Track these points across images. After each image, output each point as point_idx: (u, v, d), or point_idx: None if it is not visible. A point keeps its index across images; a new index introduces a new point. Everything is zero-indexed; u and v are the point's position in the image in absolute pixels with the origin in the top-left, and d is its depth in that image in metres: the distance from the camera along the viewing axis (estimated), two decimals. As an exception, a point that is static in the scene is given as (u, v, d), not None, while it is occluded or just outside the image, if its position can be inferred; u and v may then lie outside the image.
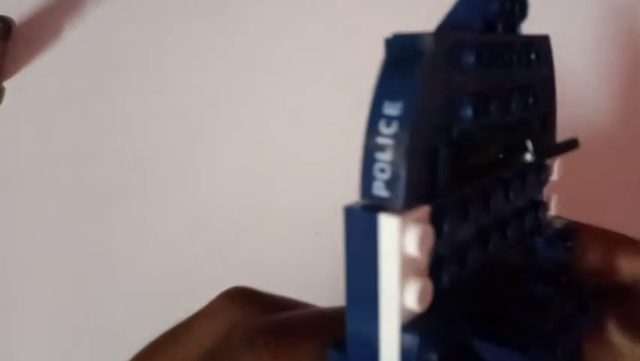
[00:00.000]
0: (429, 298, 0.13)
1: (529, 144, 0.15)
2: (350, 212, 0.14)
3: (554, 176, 0.17)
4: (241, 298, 0.22)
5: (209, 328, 0.21)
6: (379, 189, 0.13)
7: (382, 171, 0.13)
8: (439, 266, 0.13)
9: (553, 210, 0.18)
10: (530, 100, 0.16)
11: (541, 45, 0.17)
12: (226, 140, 0.38)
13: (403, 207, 0.12)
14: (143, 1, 0.41)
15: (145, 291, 0.35)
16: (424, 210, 0.13)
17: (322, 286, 0.35)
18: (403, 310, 0.13)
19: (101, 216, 0.37)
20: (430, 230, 0.13)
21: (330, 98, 0.38)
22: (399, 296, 0.13)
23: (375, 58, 0.42)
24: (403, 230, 0.12)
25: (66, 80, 0.39)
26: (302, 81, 0.39)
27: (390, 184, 0.13)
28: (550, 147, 0.17)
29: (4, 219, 0.37)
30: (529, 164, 0.16)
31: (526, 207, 0.17)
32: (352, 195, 0.39)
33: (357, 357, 0.14)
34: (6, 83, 0.39)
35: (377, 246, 0.13)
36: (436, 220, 0.13)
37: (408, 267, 0.13)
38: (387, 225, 0.13)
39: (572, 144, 0.17)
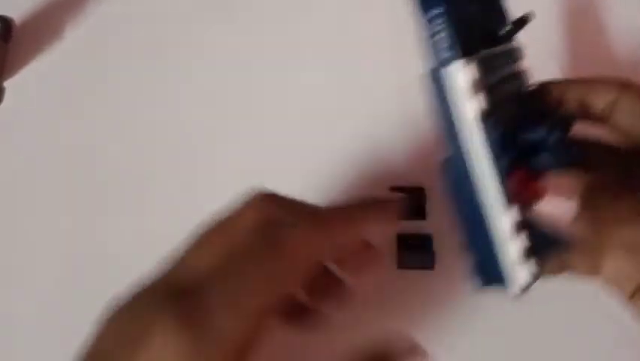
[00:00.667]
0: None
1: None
2: (431, 72, 0.24)
3: None
4: (270, 197, 0.26)
5: (250, 216, 0.24)
6: (444, 52, 0.24)
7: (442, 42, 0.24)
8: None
9: None
10: None
11: None
12: (225, 140, 0.38)
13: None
14: (143, 1, 0.41)
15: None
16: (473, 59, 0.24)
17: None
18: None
19: (100, 216, 0.37)
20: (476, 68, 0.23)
21: (330, 98, 0.38)
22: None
23: (374, 58, 0.42)
24: (464, 66, 0.23)
25: (66, 80, 0.39)
26: (302, 81, 0.39)
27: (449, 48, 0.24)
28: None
29: (3, 219, 0.37)
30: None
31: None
32: (352, 194, 0.39)
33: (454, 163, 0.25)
34: (6, 83, 0.39)
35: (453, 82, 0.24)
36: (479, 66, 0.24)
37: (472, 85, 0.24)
38: (457, 66, 0.23)
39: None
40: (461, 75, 0.24)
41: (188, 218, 0.36)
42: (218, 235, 0.24)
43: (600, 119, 0.27)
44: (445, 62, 0.24)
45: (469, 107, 0.24)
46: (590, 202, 0.25)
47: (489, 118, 0.24)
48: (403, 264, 0.32)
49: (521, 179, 0.24)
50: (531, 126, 0.24)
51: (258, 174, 0.37)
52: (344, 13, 0.40)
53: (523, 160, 0.24)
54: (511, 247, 0.25)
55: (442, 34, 0.24)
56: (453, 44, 0.24)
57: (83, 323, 0.35)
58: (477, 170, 0.25)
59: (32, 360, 0.35)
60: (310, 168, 0.37)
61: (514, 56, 0.26)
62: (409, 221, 0.35)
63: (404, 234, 0.33)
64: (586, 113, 0.27)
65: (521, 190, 0.24)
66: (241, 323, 0.20)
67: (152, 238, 0.36)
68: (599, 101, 0.26)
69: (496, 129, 0.24)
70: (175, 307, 0.21)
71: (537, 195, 0.24)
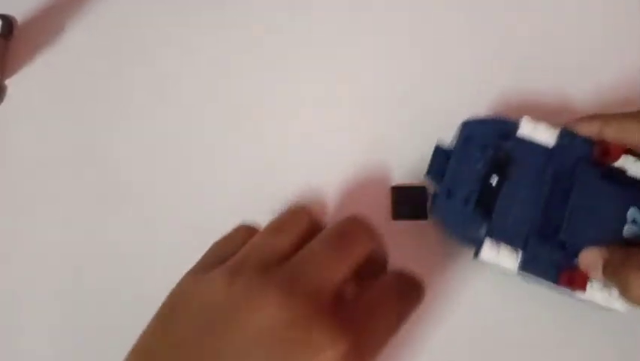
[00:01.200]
0: None
1: None
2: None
3: None
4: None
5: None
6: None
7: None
8: None
9: None
10: None
11: None
12: (226, 140, 0.38)
13: None
14: (144, 2, 0.41)
15: (145, 292, 0.35)
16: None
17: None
18: None
19: (100, 216, 0.37)
20: None
21: (330, 98, 0.38)
22: None
23: (373, 55, 0.42)
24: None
25: (68, 79, 0.39)
26: (302, 81, 0.39)
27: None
28: None
29: (3, 218, 0.37)
30: None
31: None
32: (351, 194, 0.39)
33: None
34: (8, 82, 0.39)
35: None
36: None
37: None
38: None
39: None
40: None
41: (188, 219, 0.37)
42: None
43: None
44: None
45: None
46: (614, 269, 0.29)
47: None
48: (397, 215, 0.34)
49: (569, 279, 0.30)
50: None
51: (259, 173, 0.37)
52: (345, 14, 0.40)
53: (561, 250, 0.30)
54: None
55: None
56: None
57: (83, 324, 0.35)
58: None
59: (38, 359, 0.35)
60: (311, 167, 0.37)
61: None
62: (409, 221, 0.35)
63: (398, 186, 0.35)
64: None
65: (571, 284, 0.30)
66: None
67: (152, 239, 0.36)
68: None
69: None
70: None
71: (584, 280, 0.30)
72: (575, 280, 0.29)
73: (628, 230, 0.30)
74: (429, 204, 0.34)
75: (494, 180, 0.31)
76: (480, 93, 0.37)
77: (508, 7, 0.39)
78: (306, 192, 0.37)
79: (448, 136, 0.34)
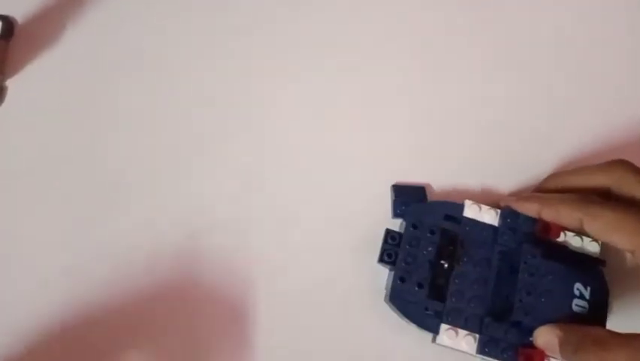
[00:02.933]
0: None
1: None
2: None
3: None
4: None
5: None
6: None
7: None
8: None
9: None
10: None
11: None
12: (226, 141, 0.38)
13: None
14: (144, 1, 0.41)
15: (145, 292, 0.35)
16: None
17: (321, 286, 0.35)
18: None
19: (100, 217, 0.37)
20: None
21: (329, 99, 0.38)
22: None
23: (373, 56, 0.42)
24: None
25: (68, 80, 0.39)
26: (302, 81, 0.39)
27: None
28: None
29: (3, 219, 0.37)
30: None
31: None
32: (351, 194, 0.39)
33: None
34: (8, 82, 0.40)
35: None
36: None
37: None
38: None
39: None
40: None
41: (189, 219, 0.37)
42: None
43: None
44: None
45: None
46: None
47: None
48: (396, 214, 0.35)
49: (526, 358, 0.30)
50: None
51: (260, 173, 0.37)
52: (349, 15, 0.40)
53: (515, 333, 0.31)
54: None
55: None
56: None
57: (84, 324, 0.35)
58: None
59: (35, 357, 0.35)
60: (312, 166, 0.37)
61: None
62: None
63: (399, 185, 0.35)
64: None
65: None
66: None
67: (152, 240, 0.36)
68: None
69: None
70: None
71: (542, 358, 0.30)
72: (532, 359, 0.30)
73: (576, 304, 0.31)
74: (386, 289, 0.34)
75: (445, 265, 0.32)
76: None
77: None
78: (308, 191, 0.37)
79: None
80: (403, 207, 0.34)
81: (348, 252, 0.35)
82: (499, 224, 0.33)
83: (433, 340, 0.31)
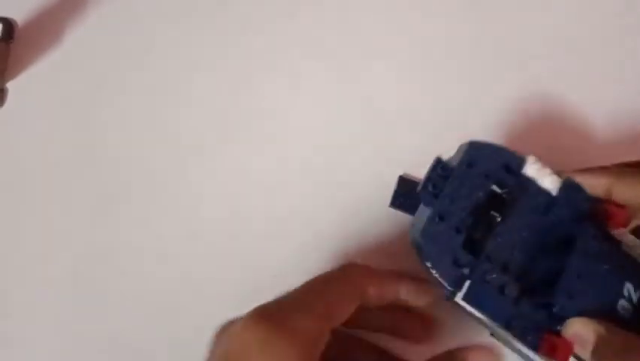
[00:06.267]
0: None
1: None
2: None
3: None
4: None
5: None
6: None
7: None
8: None
9: None
10: None
11: None
12: (226, 141, 0.38)
13: None
14: (144, 3, 0.41)
15: (145, 292, 0.35)
16: None
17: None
18: None
19: (100, 218, 0.37)
20: None
21: (329, 99, 0.38)
22: None
23: (373, 56, 0.41)
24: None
25: (68, 82, 0.40)
26: (302, 81, 0.39)
27: None
28: None
29: (3, 220, 0.37)
30: None
31: None
32: (351, 196, 0.39)
33: None
34: (9, 84, 0.40)
35: None
36: None
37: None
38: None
39: None
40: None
41: (189, 220, 0.37)
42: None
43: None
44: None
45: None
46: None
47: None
48: (393, 203, 0.34)
49: (551, 346, 0.26)
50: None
51: (258, 174, 0.37)
52: (348, 15, 0.40)
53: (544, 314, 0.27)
54: None
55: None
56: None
57: (83, 325, 0.35)
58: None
59: (36, 359, 0.35)
60: (314, 163, 0.37)
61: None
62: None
63: (405, 177, 0.35)
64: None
65: (552, 352, 0.26)
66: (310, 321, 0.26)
67: (152, 240, 0.36)
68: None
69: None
70: (256, 312, 0.26)
71: (567, 352, 0.26)
72: (557, 349, 0.26)
73: (622, 306, 0.27)
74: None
75: (493, 216, 0.28)
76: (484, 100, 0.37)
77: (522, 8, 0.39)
78: (309, 190, 0.37)
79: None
80: (402, 199, 0.33)
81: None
82: (557, 193, 0.28)
83: (451, 296, 0.27)
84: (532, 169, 0.29)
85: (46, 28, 0.41)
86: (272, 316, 0.26)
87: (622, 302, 0.27)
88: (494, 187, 0.28)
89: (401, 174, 0.34)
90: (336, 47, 0.39)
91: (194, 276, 0.35)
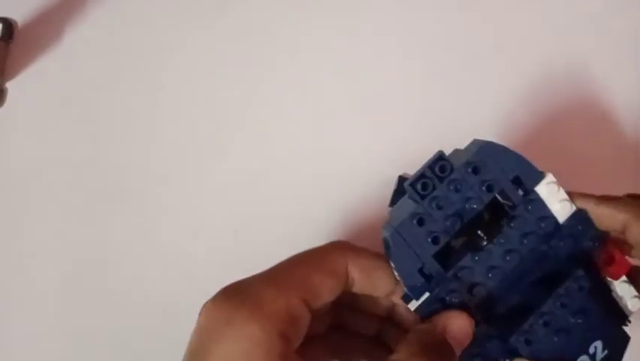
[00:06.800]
0: None
1: None
2: None
3: None
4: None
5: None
6: None
7: None
8: None
9: None
10: None
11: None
12: (226, 141, 0.38)
13: None
14: (144, 3, 0.41)
15: (145, 292, 0.35)
16: None
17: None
18: None
19: (100, 219, 0.37)
20: None
21: (329, 99, 0.38)
22: None
23: (374, 57, 0.42)
24: None
25: (67, 82, 0.39)
26: (302, 82, 0.39)
27: None
28: None
29: (3, 220, 0.37)
30: None
31: None
32: (350, 195, 0.39)
33: None
34: (8, 84, 0.39)
35: None
36: None
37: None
38: None
39: None
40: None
41: (189, 220, 0.37)
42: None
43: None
44: None
45: None
46: None
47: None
48: (394, 204, 0.33)
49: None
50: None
51: (258, 175, 0.37)
52: (349, 15, 0.40)
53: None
54: None
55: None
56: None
57: (82, 326, 0.35)
58: None
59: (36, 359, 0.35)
60: (314, 163, 0.37)
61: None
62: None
63: (405, 178, 0.34)
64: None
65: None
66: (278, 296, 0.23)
67: (152, 240, 0.36)
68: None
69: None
70: (224, 289, 0.25)
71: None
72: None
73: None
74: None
75: (478, 234, 0.25)
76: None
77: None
78: (311, 188, 0.37)
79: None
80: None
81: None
82: (564, 222, 0.25)
83: (406, 299, 0.25)
84: (546, 189, 0.26)
85: (46, 29, 0.40)
86: (239, 292, 0.24)
87: (583, 358, 0.25)
88: (497, 197, 0.25)
89: (401, 174, 0.34)
90: (337, 47, 0.39)
91: (194, 276, 0.35)
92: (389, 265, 0.25)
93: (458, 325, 0.24)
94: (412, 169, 0.35)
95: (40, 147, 0.38)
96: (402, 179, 0.34)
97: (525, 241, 0.25)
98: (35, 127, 0.39)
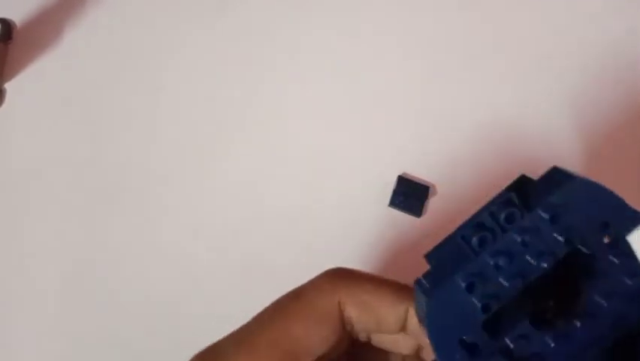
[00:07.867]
0: None
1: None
2: None
3: None
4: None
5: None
6: None
7: None
8: None
9: None
10: None
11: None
12: (226, 141, 0.38)
13: None
14: (143, 3, 0.41)
15: (145, 292, 0.35)
16: None
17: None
18: None
19: (100, 219, 0.37)
20: None
21: (329, 99, 0.38)
22: None
23: (374, 57, 0.42)
24: None
25: (66, 82, 0.39)
26: (302, 82, 0.39)
27: None
28: None
29: (3, 220, 0.37)
30: None
31: None
32: (350, 195, 0.39)
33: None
34: (7, 85, 0.39)
35: None
36: None
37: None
38: None
39: None
40: None
41: (189, 220, 0.37)
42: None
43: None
44: None
45: None
46: None
47: None
48: (392, 203, 0.35)
49: None
50: None
51: (258, 175, 0.37)
52: (349, 11, 0.40)
53: None
54: None
55: None
56: None
57: (82, 326, 0.35)
58: None
59: (36, 359, 0.35)
60: (314, 163, 0.37)
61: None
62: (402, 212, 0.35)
63: (405, 177, 0.35)
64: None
65: None
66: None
67: (153, 241, 0.36)
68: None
69: None
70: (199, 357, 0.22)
71: None
72: None
73: None
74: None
75: (549, 306, 0.20)
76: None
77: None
78: (313, 187, 0.37)
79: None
80: (401, 199, 0.32)
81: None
82: None
83: None
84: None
85: (45, 29, 0.40)
86: (213, 359, 0.21)
87: None
88: (580, 248, 0.19)
89: (401, 173, 0.34)
90: (337, 47, 0.39)
91: (194, 276, 0.35)
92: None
93: None
94: (411, 169, 0.35)
95: (40, 147, 0.38)
96: (402, 179, 0.34)
97: (606, 304, 0.19)
98: (35, 127, 0.39)
